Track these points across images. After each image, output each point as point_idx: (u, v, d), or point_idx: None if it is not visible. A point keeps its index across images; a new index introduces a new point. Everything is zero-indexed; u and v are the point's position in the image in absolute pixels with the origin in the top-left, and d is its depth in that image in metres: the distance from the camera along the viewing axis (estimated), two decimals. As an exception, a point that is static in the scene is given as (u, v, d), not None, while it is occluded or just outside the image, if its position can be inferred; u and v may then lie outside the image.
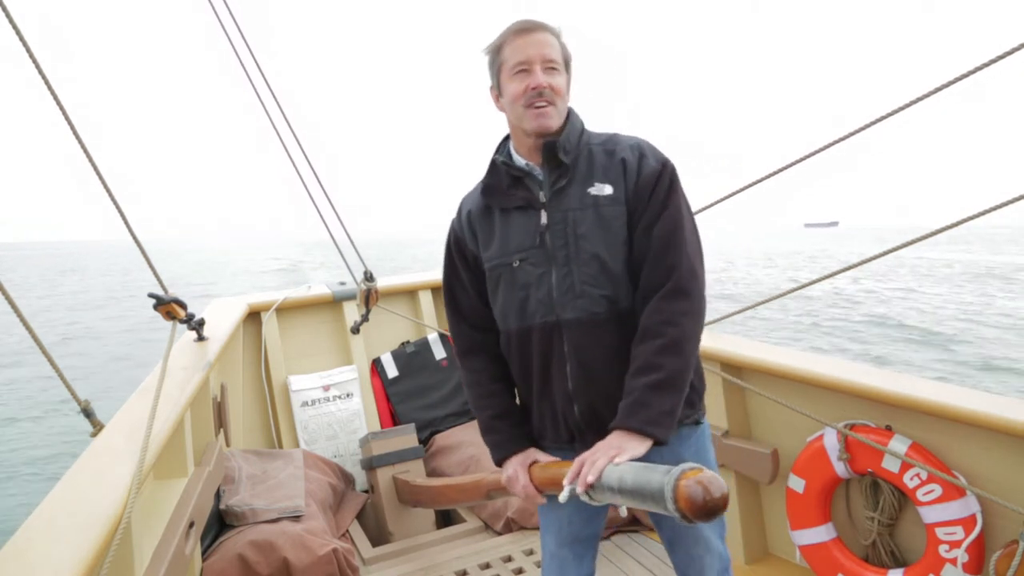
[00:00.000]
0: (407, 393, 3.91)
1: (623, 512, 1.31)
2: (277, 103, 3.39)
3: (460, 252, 1.63)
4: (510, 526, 2.90)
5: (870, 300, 19.35)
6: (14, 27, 1.78)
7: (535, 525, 2.88)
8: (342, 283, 4.14)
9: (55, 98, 1.95)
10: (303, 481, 2.90)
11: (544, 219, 1.48)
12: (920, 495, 1.99)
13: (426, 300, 4.21)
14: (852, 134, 2.31)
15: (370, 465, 3.13)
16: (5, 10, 1.76)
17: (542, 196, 1.49)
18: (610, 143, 1.52)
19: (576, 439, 1.52)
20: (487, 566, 2.66)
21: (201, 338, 2.81)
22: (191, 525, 1.90)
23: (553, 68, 1.45)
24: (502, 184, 1.53)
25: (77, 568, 1.16)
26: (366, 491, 3.39)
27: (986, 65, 1.88)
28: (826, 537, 2.29)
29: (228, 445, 2.92)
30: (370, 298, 3.74)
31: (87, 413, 1.90)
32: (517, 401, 1.65)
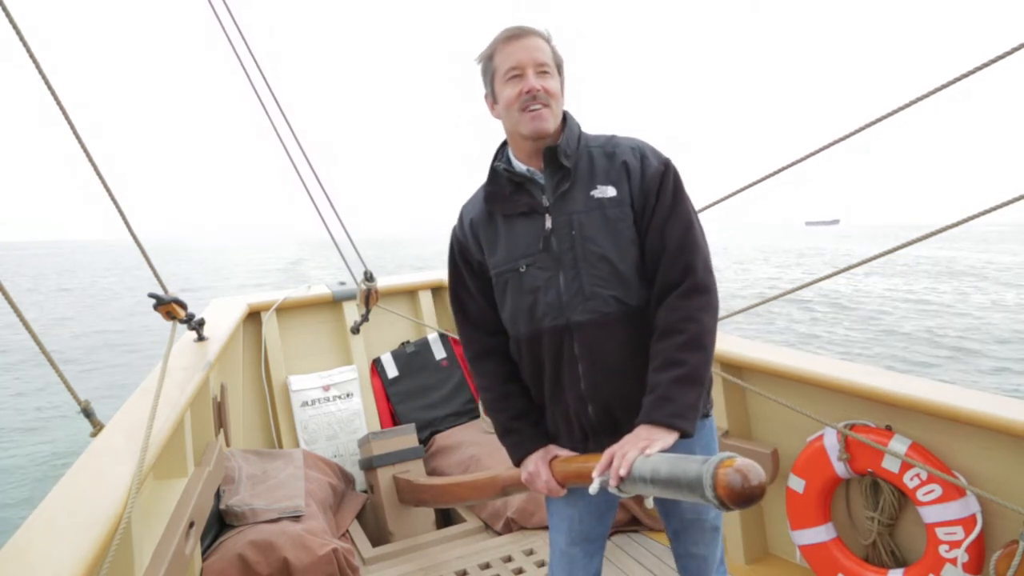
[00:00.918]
0: (407, 393, 3.91)
1: (649, 504, 1.36)
2: (277, 103, 3.39)
3: (465, 259, 1.63)
4: (510, 526, 2.90)
5: (871, 301, 19.36)
6: (14, 27, 1.78)
7: (535, 525, 2.88)
8: (342, 283, 4.14)
9: (55, 98, 1.95)
10: (303, 481, 2.90)
11: (549, 223, 1.49)
12: (920, 495, 1.99)
13: (426, 300, 4.21)
14: (852, 134, 2.31)
15: (370, 465, 3.13)
16: (5, 10, 1.75)
17: (545, 200, 1.50)
18: (609, 145, 1.52)
19: (590, 439, 1.54)
20: (487, 566, 2.66)
21: (201, 338, 2.81)
22: (191, 525, 1.90)
23: (545, 71, 1.46)
24: (504, 191, 1.54)
25: (77, 568, 1.16)
26: (366, 491, 3.39)
27: (989, 64, 1.88)
28: (826, 537, 2.29)
29: (228, 445, 2.92)
30: (370, 298, 3.75)
31: (87, 413, 1.90)
32: (532, 400, 1.66)
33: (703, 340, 1.41)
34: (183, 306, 2.59)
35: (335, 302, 4.04)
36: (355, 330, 3.94)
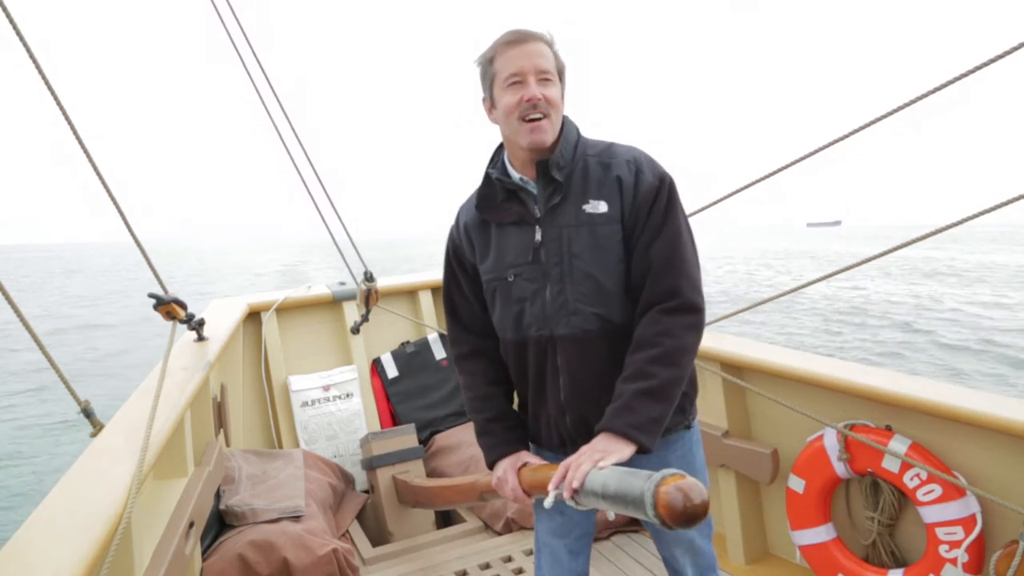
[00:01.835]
0: (407, 393, 3.91)
1: (611, 516, 1.30)
2: (279, 103, 3.39)
3: (459, 261, 1.64)
4: (510, 526, 2.90)
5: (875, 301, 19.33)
6: (14, 27, 1.78)
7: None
8: (342, 283, 4.14)
9: (55, 98, 1.95)
10: (303, 481, 2.90)
11: (539, 235, 1.47)
12: (920, 495, 1.99)
13: (426, 300, 4.21)
14: (853, 133, 2.31)
15: (370, 465, 3.13)
16: (5, 10, 1.76)
17: (536, 212, 1.48)
18: (606, 155, 1.49)
19: (568, 445, 1.53)
20: (487, 566, 2.66)
21: (201, 338, 2.81)
22: (191, 525, 1.90)
23: (547, 79, 1.43)
24: (496, 198, 1.52)
25: (77, 568, 1.16)
26: (366, 491, 3.39)
27: (989, 63, 1.88)
28: (826, 537, 2.29)
29: (228, 445, 2.92)
30: (370, 298, 3.75)
31: (87, 413, 1.90)
32: (514, 405, 1.67)
33: (678, 357, 1.37)
34: (183, 306, 2.59)
35: (335, 302, 4.04)
36: (355, 330, 3.94)
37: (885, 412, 2.13)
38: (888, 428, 2.12)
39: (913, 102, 2.09)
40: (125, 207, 2.27)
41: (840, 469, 2.19)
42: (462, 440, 3.47)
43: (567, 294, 1.45)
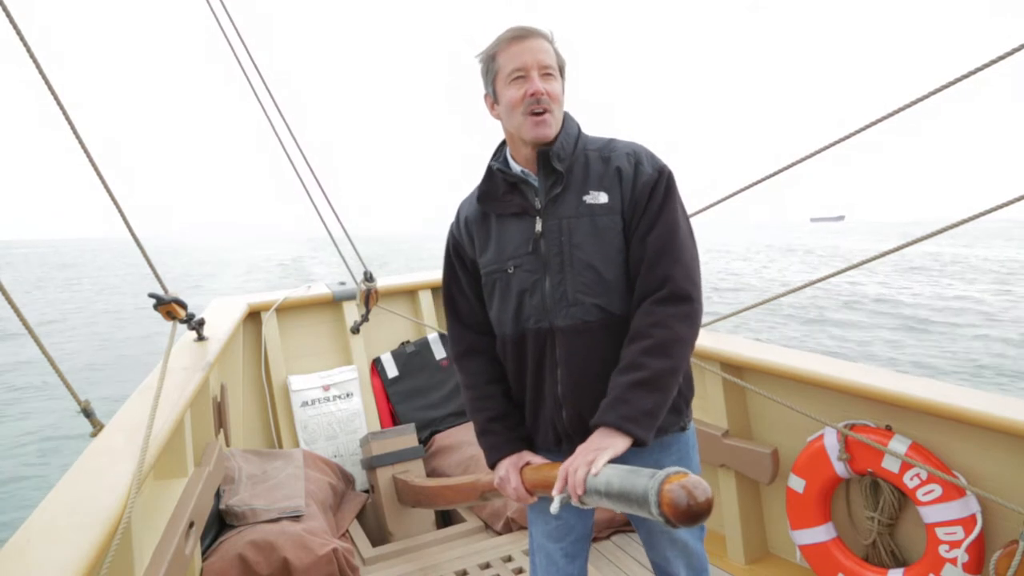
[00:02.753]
0: (407, 393, 3.91)
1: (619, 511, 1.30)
2: (276, 105, 3.39)
3: (459, 256, 1.64)
4: (510, 526, 2.90)
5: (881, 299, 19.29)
6: (14, 27, 1.77)
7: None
8: (342, 283, 4.15)
9: (54, 96, 1.95)
10: (303, 481, 2.90)
11: (539, 226, 1.49)
12: (920, 495, 1.99)
13: (426, 300, 4.21)
14: (855, 133, 2.31)
15: (370, 465, 3.13)
16: (6, 10, 1.75)
17: (537, 203, 1.50)
18: (606, 149, 1.51)
19: (564, 442, 1.53)
20: (487, 566, 2.66)
21: (201, 338, 2.81)
22: (191, 525, 1.90)
23: (549, 74, 1.45)
24: (498, 191, 1.54)
25: (77, 568, 1.16)
26: (366, 491, 3.39)
27: (992, 63, 1.88)
28: (826, 537, 2.29)
29: (228, 445, 2.92)
30: (370, 298, 3.75)
31: (87, 413, 1.90)
32: (513, 404, 1.65)
33: (671, 348, 1.37)
34: (183, 306, 2.59)
35: (335, 302, 4.04)
36: (355, 330, 3.94)
37: (885, 412, 2.13)
38: (888, 428, 2.12)
39: (919, 100, 2.09)
40: (125, 206, 2.27)
41: (840, 469, 2.19)
42: (462, 440, 3.47)
43: (567, 285, 1.46)
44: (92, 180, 2.23)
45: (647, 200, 1.45)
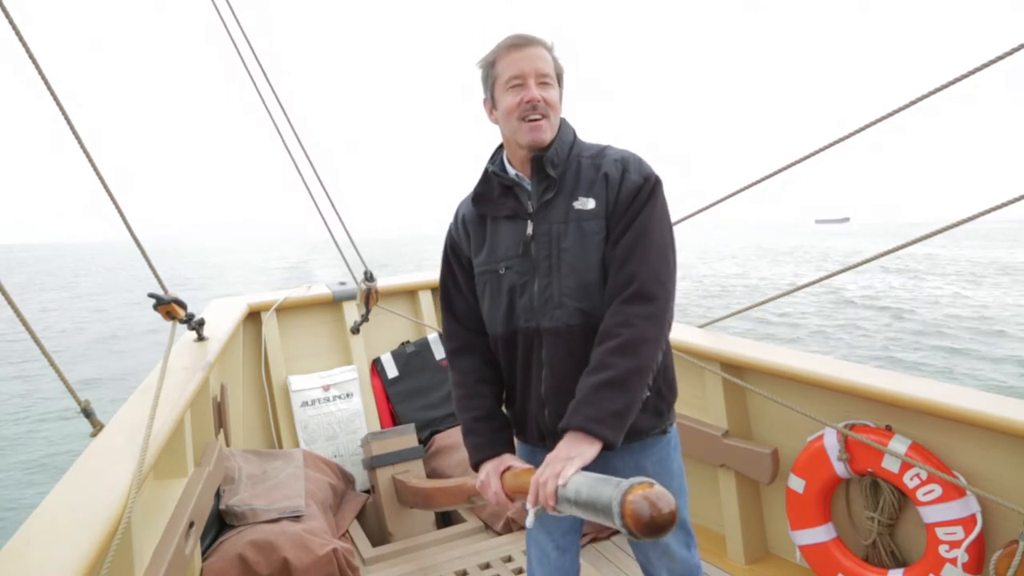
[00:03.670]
0: (407, 393, 3.91)
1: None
2: (280, 103, 3.39)
3: (456, 255, 1.68)
4: (510, 526, 2.90)
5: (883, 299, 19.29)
6: (14, 28, 1.78)
7: (535, 525, 2.88)
8: (342, 283, 4.15)
9: (54, 97, 1.96)
10: (303, 481, 2.90)
11: (530, 230, 1.52)
12: (920, 495, 1.99)
13: (426, 300, 4.22)
14: (856, 132, 2.31)
15: (370, 465, 3.13)
16: (5, 11, 1.76)
17: (530, 207, 1.53)
18: (599, 156, 1.54)
19: (547, 439, 1.55)
20: (487, 566, 2.66)
21: (201, 338, 2.81)
22: (191, 525, 1.90)
23: (546, 82, 1.48)
24: (493, 193, 1.58)
25: (77, 568, 1.16)
26: (366, 491, 3.39)
27: (994, 61, 1.88)
28: (826, 537, 2.29)
29: (228, 445, 2.92)
30: (370, 298, 3.75)
31: (87, 413, 1.90)
32: (502, 406, 1.67)
33: (637, 347, 1.36)
34: (183, 306, 2.59)
35: (335, 302, 4.04)
36: (355, 330, 3.94)
37: (885, 412, 2.13)
38: (888, 428, 2.12)
39: (919, 100, 2.09)
40: (125, 206, 2.27)
41: (840, 469, 2.19)
42: (462, 440, 3.47)
43: (553, 288, 1.48)
44: (92, 180, 2.23)
45: (628, 205, 1.46)
